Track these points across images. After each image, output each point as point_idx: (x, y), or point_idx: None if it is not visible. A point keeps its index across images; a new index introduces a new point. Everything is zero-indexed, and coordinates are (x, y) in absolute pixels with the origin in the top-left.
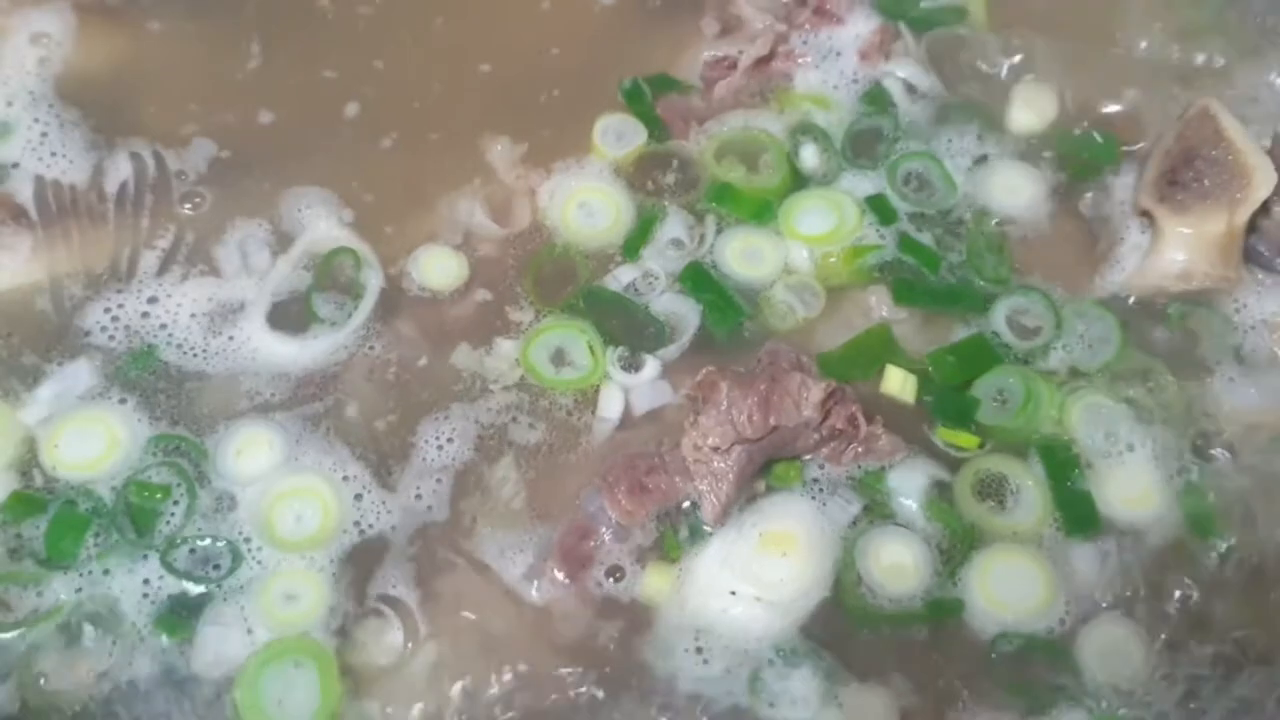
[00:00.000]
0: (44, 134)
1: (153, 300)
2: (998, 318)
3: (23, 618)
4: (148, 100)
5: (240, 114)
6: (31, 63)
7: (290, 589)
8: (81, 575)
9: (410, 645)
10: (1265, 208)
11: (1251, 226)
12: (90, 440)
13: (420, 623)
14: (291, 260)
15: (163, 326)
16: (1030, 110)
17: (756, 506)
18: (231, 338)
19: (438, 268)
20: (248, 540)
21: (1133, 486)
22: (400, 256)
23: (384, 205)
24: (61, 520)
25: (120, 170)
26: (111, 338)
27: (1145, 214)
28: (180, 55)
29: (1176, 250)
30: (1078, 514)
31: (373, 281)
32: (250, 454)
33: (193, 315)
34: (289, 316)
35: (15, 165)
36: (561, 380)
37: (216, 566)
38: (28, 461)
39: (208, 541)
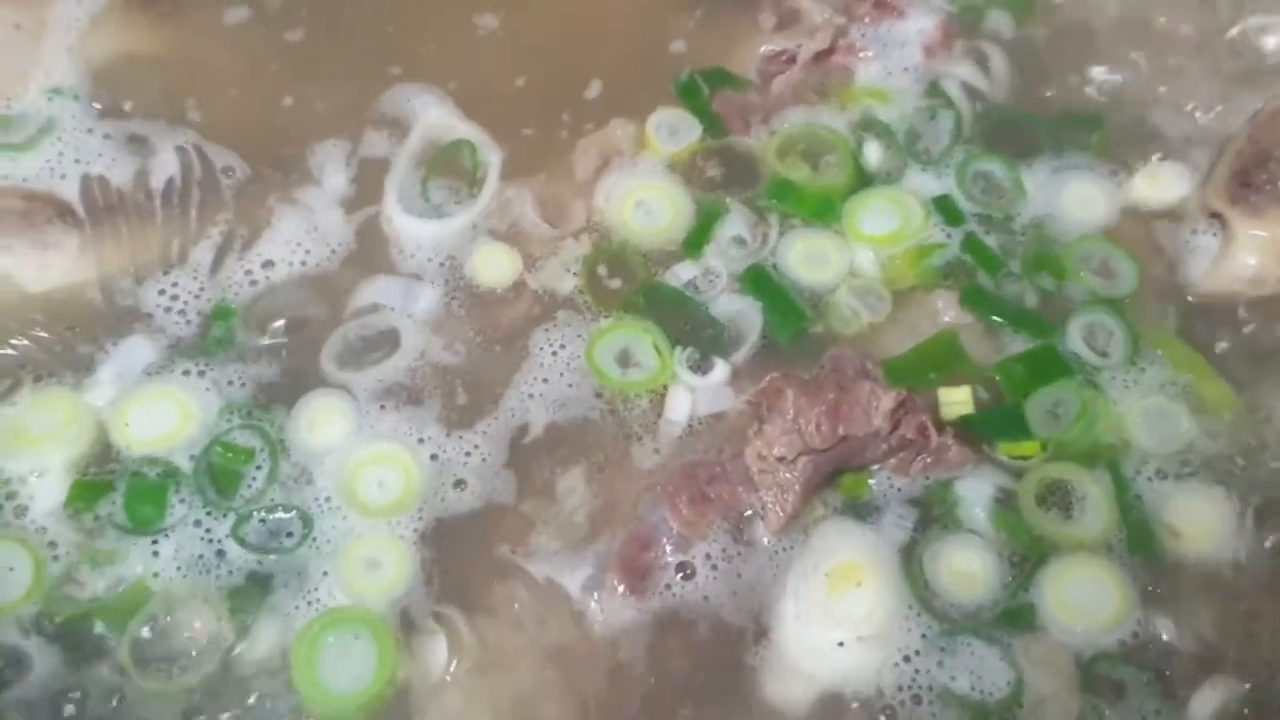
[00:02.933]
0: (89, 130)
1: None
2: (1073, 334)
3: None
4: (191, 93)
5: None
6: (74, 57)
7: (373, 555)
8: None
9: (461, 661)
10: None
11: None
12: (161, 414)
13: (473, 639)
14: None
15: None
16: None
17: (808, 548)
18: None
19: (492, 264)
20: (328, 500)
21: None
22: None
23: None
24: (135, 491)
25: (166, 166)
26: (168, 310)
27: (1215, 216)
28: (221, 46)
29: (1249, 254)
30: (1139, 533)
31: (494, 159)
32: (323, 425)
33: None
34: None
35: (60, 160)
36: (629, 381)
37: (289, 535)
38: (102, 447)
39: (279, 513)
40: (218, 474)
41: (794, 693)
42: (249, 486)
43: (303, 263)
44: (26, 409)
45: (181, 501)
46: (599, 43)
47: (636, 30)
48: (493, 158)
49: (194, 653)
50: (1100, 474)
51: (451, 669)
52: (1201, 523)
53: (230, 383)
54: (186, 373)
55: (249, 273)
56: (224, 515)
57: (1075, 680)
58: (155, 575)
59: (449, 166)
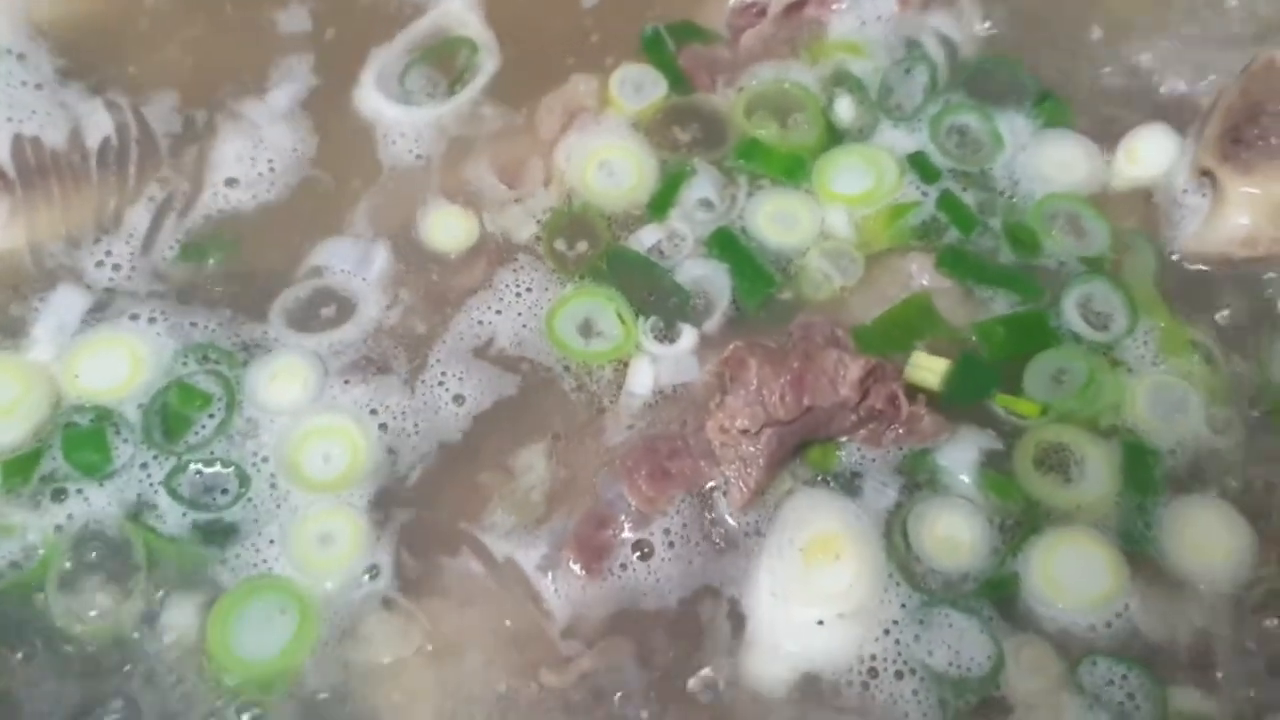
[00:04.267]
0: (23, 83)
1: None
2: (1067, 304)
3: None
4: (127, 51)
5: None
6: (11, 16)
7: (327, 529)
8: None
9: (415, 641)
10: None
11: None
12: (111, 363)
13: (425, 619)
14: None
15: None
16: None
17: (781, 521)
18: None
19: (447, 228)
20: (266, 462)
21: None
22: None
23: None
24: (72, 440)
25: (102, 125)
26: (100, 266)
27: (1206, 174)
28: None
29: (1241, 213)
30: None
31: (488, 64)
32: (285, 382)
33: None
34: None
35: None
36: (592, 353)
37: (224, 492)
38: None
39: (217, 467)
40: (170, 416)
41: (774, 673)
42: (195, 434)
43: (263, 173)
44: None
45: (125, 442)
46: None
47: None
48: (488, 65)
49: (112, 604)
50: (1102, 439)
51: (402, 651)
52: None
53: (188, 325)
54: (135, 317)
55: (213, 199)
56: (165, 459)
57: (1064, 680)
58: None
59: (440, 59)
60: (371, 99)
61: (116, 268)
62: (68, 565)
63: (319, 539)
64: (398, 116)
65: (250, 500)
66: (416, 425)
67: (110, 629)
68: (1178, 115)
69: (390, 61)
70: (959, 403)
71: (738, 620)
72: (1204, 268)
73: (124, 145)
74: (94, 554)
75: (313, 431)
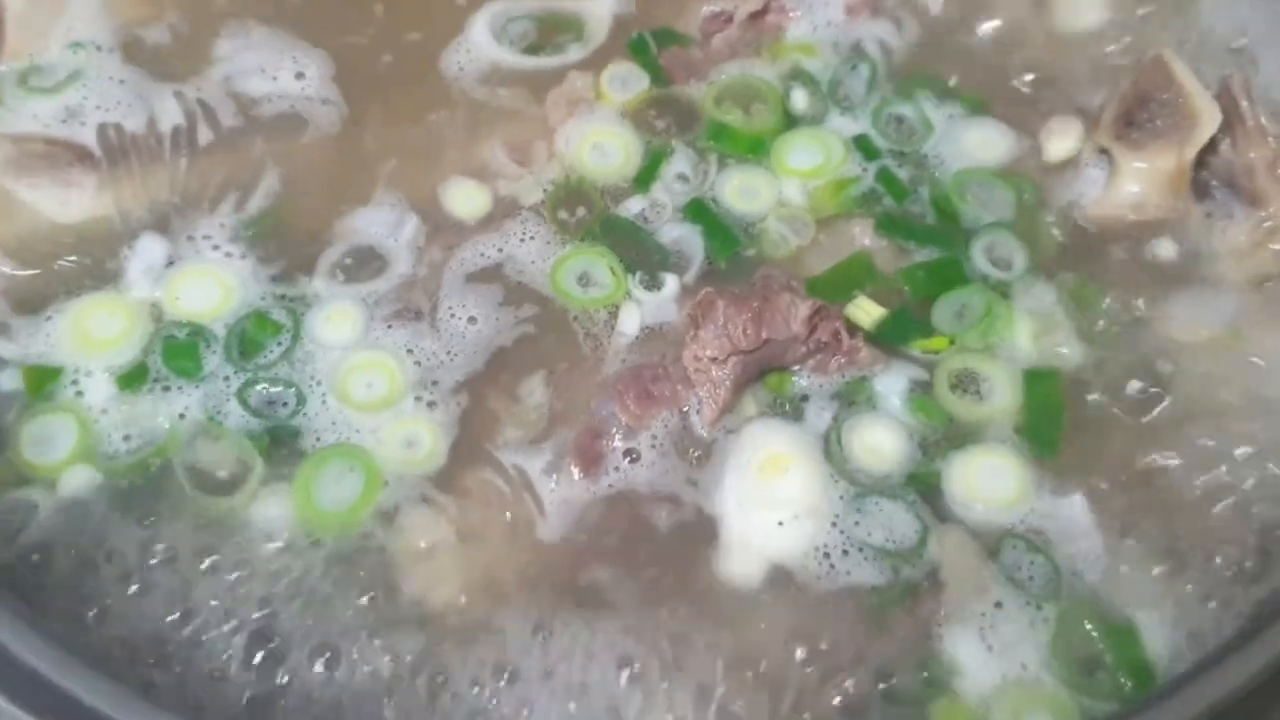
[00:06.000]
0: (109, 78)
1: None
2: (975, 251)
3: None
4: (194, 49)
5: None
6: (96, 16)
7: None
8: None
9: (445, 532)
10: (1212, 145)
11: (1199, 163)
12: (205, 290)
13: (453, 514)
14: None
15: None
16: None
17: (738, 445)
18: None
19: (466, 198)
20: (318, 385)
21: None
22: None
23: (427, 157)
24: (170, 350)
25: (172, 113)
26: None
27: (1104, 151)
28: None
29: (1132, 183)
30: (1044, 438)
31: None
32: (337, 323)
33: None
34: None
35: (83, 105)
36: (589, 299)
37: (284, 405)
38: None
39: (279, 387)
40: (247, 340)
41: (746, 569)
42: (265, 356)
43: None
44: (87, 315)
45: (213, 354)
46: None
47: None
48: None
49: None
50: (1003, 363)
51: (433, 539)
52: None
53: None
54: (225, 254)
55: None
56: (238, 373)
57: (984, 557)
58: (181, 417)
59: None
60: (481, 38)
61: (195, 228)
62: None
63: (404, 441)
64: (495, 56)
65: (304, 414)
66: (442, 361)
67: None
68: (1082, 107)
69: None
70: (887, 342)
71: (708, 520)
72: (1101, 227)
73: (192, 129)
74: (205, 438)
75: (358, 365)
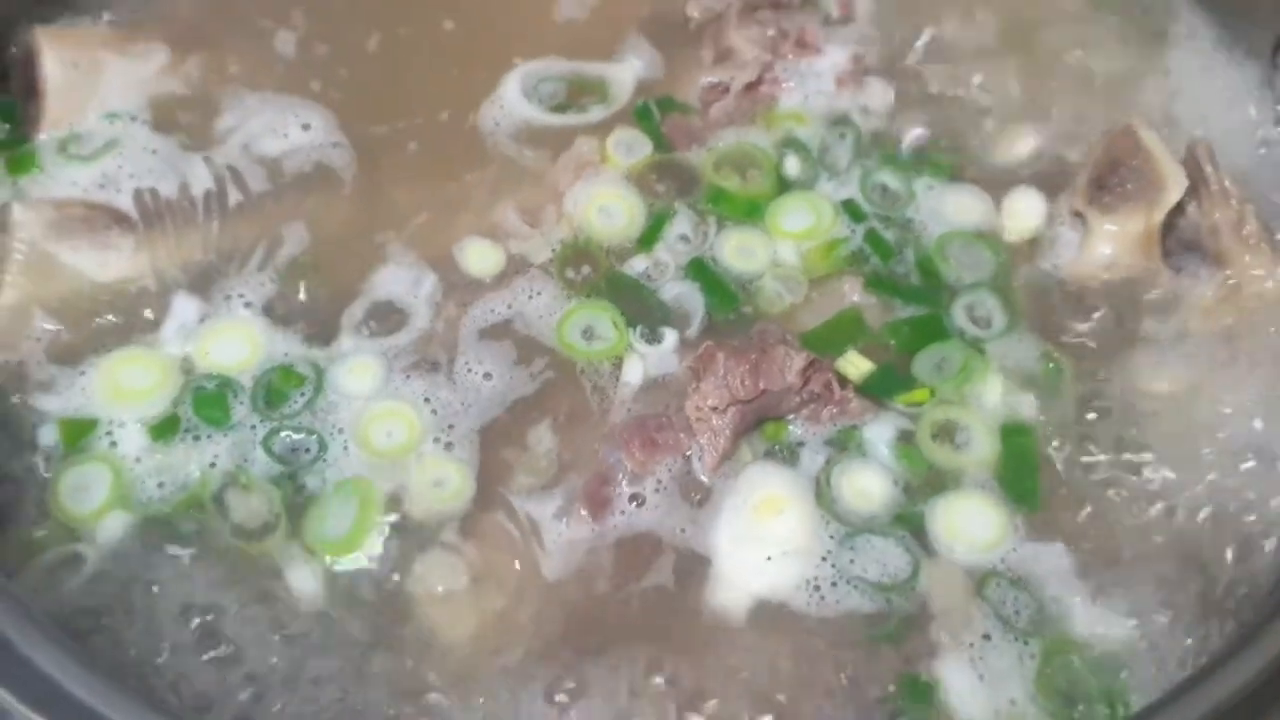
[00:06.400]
0: (143, 148)
1: None
2: (956, 310)
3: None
4: (219, 117)
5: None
6: (130, 89)
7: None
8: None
9: (460, 576)
10: (1179, 208)
11: (1168, 225)
12: (234, 345)
13: (469, 556)
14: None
15: None
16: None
17: (739, 486)
18: None
19: (481, 257)
20: (341, 433)
21: None
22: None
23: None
24: (200, 400)
25: (203, 179)
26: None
27: (1078, 214)
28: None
29: (1104, 245)
30: (1023, 490)
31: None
32: (359, 374)
33: None
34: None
35: (118, 173)
36: (593, 351)
37: (307, 451)
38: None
39: (302, 434)
40: (273, 390)
41: (734, 601)
42: (290, 406)
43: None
44: (120, 369)
45: (241, 404)
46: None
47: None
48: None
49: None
50: (980, 412)
51: (449, 582)
52: None
53: (284, 326)
54: (257, 311)
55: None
56: (264, 422)
57: (971, 592)
58: (212, 465)
59: (580, 88)
60: (512, 99)
61: (225, 286)
62: (220, 489)
63: (433, 482)
64: (527, 114)
65: (325, 461)
66: (457, 411)
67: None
68: (1052, 176)
69: (534, 74)
70: (875, 395)
71: (706, 559)
72: (1077, 286)
73: (222, 192)
74: (235, 483)
75: (379, 414)
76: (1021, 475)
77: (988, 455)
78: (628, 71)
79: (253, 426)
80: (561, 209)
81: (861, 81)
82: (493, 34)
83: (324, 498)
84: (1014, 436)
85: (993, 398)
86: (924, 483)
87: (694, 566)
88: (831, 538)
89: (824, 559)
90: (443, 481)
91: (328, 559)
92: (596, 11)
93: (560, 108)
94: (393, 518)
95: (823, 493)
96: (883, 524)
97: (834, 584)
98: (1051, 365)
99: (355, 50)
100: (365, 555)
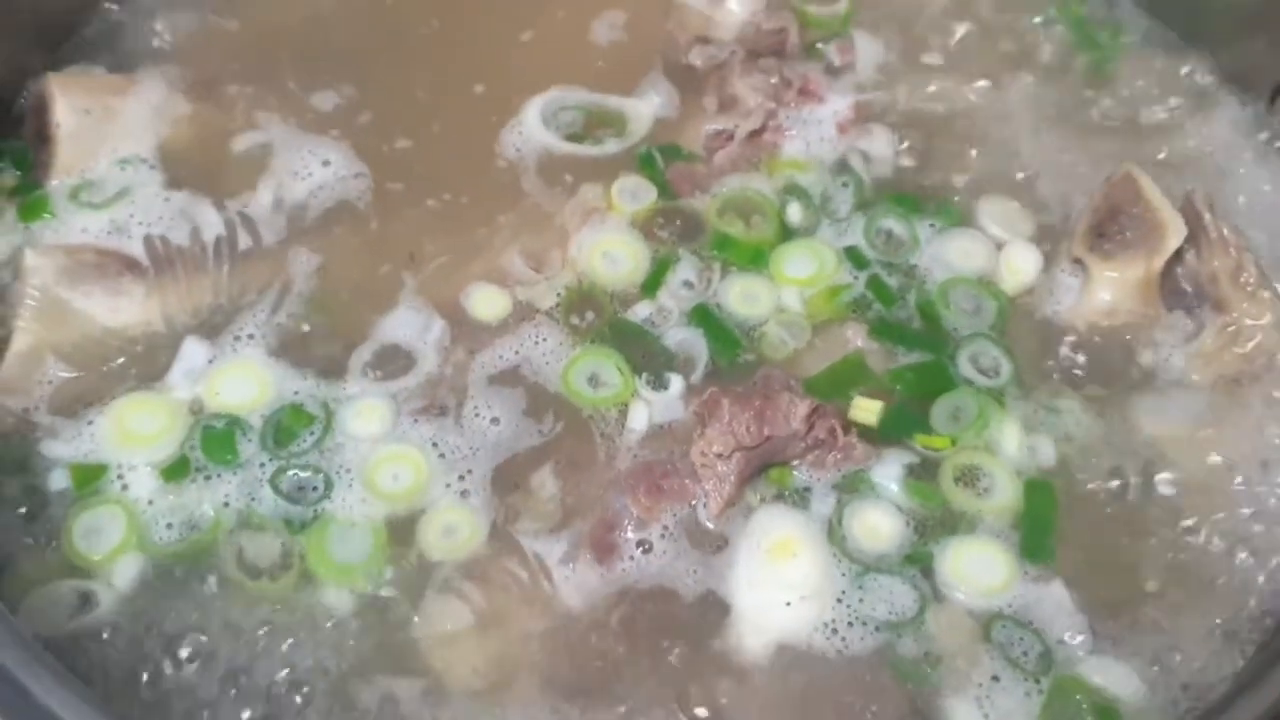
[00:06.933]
0: (154, 195)
1: None
2: (961, 359)
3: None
4: (229, 166)
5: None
6: (141, 136)
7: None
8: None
9: (470, 619)
10: (1178, 255)
11: (1166, 271)
12: (244, 385)
13: (475, 600)
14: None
15: None
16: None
17: (750, 530)
18: None
19: (488, 302)
20: (347, 473)
21: None
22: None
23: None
24: (209, 440)
25: (215, 226)
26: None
27: (1078, 261)
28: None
29: (1104, 291)
30: (1039, 545)
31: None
32: (366, 417)
33: None
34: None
35: (129, 220)
36: (598, 398)
37: (314, 490)
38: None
39: (309, 473)
40: (282, 429)
41: (754, 645)
42: (298, 445)
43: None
44: (129, 414)
45: (249, 443)
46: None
47: None
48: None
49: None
50: (1003, 460)
51: (457, 624)
52: None
53: (294, 368)
54: (267, 352)
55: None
56: (272, 460)
57: (978, 635)
58: (225, 505)
59: (598, 119)
60: (532, 126)
61: (235, 329)
62: (232, 530)
63: (444, 529)
64: (547, 143)
65: (332, 500)
66: (465, 455)
67: (269, 582)
68: (1052, 223)
69: (551, 106)
70: (891, 437)
71: (719, 603)
72: (1078, 332)
73: (233, 240)
74: (249, 529)
75: (386, 457)
76: (1040, 531)
77: (1008, 503)
78: (647, 107)
79: (261, 465)
80: (566, 254)
81: (863, 128)
82: (519, 59)
83: (331, 538)
84: (1037, 493)
85: (1011, 445)
86: (936, 521)
87: (705, 611)
88: (844, 575)
89: (839, 600)
90: (454, 528)
91: (336, 595)
92: (623, 47)
93: (575, 137)
94: (401, 559)
95: (834, 532)
96: (892, 563)
97: (850, 624)
98: (1056, 411)
99: (380, 94)
100: (372, 593)
